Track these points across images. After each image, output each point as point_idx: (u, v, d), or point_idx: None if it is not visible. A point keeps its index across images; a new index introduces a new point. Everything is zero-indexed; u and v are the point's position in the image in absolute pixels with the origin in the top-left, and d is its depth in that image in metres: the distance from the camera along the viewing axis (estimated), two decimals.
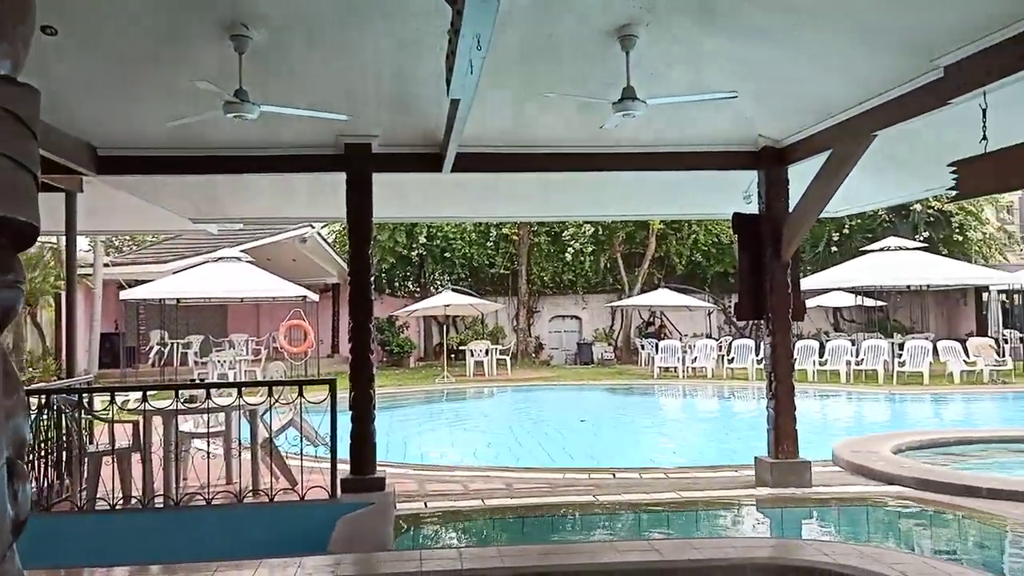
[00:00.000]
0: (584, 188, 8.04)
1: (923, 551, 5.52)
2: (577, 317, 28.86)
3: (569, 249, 26.88)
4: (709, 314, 27.06)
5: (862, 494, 6.61)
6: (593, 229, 26.55)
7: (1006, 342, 21.27)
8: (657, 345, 22.31)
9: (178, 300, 20.22)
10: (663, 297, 24.97)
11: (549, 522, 6.17)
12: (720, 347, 21.77)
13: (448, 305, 22.91)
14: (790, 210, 6.90)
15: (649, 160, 6.83)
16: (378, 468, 6.58)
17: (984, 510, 5.95)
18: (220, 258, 19.46)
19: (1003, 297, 26.51)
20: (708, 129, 6.60)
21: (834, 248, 26.06)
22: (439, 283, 27.46)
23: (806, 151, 6.46)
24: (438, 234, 26.49)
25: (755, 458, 7.16)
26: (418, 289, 27.86)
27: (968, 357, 18.14)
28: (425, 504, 6.52)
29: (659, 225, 26.20)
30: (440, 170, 6.52)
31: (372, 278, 6.69)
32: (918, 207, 25.13)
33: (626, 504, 6.38)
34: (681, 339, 23.90)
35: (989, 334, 23.30)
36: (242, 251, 20.28)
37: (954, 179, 4.62)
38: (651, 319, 28.02)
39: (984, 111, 4.37)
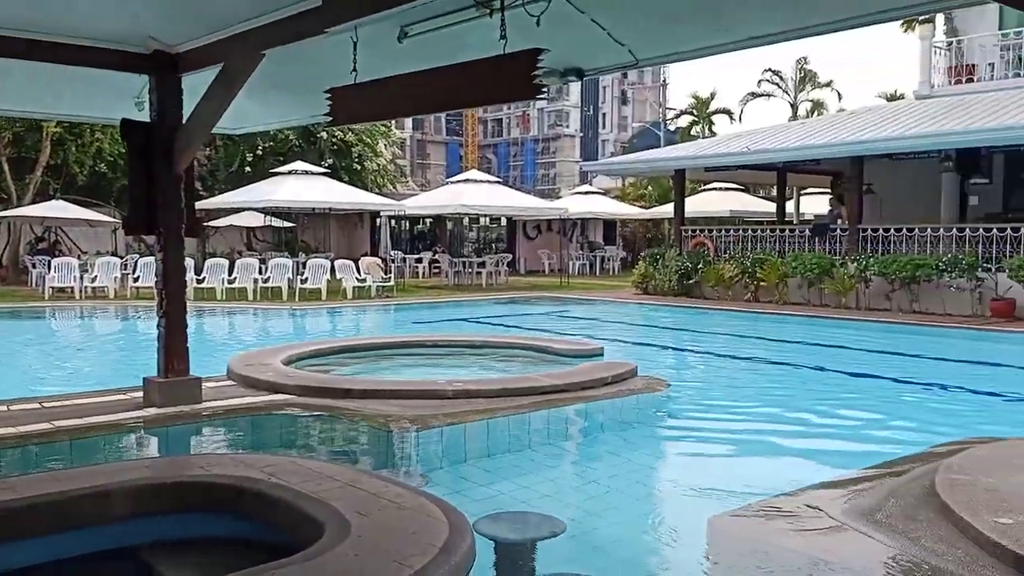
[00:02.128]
0: None
1: (297, 451, 6.02)
2: None
3: None
4: (115, 230, 25.13)
5: (251, 405, 6.88)
6: None
7: (392, 261, 24.31)
8: (50, 263, 19.97)
9: None
10: (59, 209, 22.36)
11: None
12: (126, 265, 20.47)
13: None
14: (184, 121, 6.67)
15: (15, 46, 5.88)
16: None
17: (357, 409, 6.67)
18: None
19: (392, 222, 30.17)
20: (93, 22, 5.93)
21: (248, 168, 26.40)
22: None
23: (200, 62, 6.27)
24: None
25: (144, 379, 6.91)
26: None
27: (360, 274, 20.28)
28: None
29: (55, 128, 23.18)
30: None
31: None
32: (324, 135, 26.91)
33: None
34: (79, 256, 21.79)
35: (380, 254, 26.34)
36: None
37: (329, 106, 4.98)
38: (45, 234, 24.89)
39: (355, 44, 4.75)
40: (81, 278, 19.27)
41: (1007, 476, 4.57)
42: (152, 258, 19.44)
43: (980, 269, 15.44)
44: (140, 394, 6.86)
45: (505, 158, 76.34)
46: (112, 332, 16.07)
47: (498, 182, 29.04)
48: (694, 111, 51.79)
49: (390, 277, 21.32)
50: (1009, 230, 15.63)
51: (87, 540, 4.06)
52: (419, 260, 28.85)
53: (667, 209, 27.37)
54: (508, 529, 4.20)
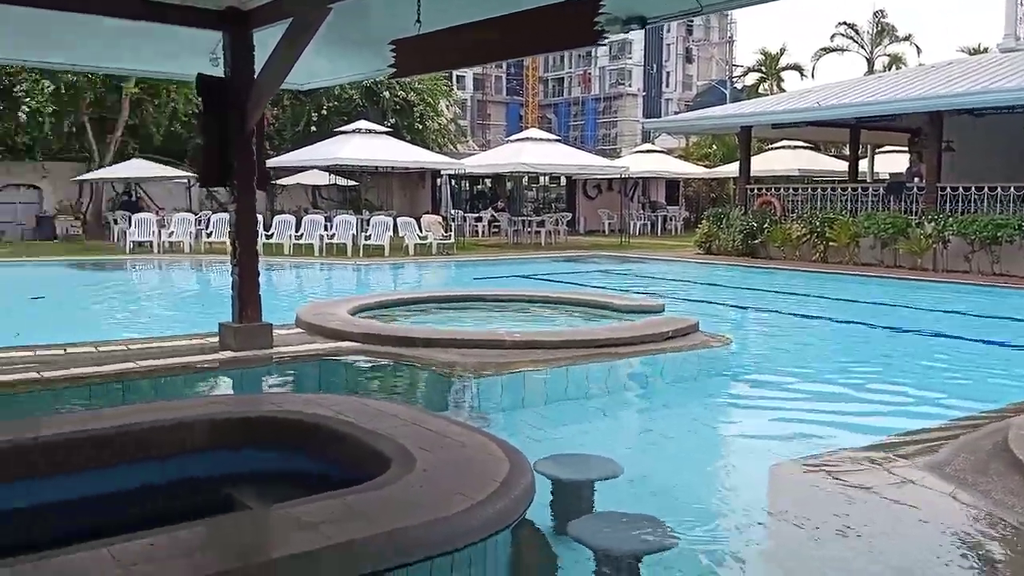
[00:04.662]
0: (18, 23, 6.89)
1: (361, 391, 6.25)
2: (36, 187, 25.23)
3: (24, 107, 22.93)
4: (189, 188, 25.87)
5: (318, 351, 7.14)
6: (53, 87, 22.97)
7: (453, 220, 24.50)
8: (131, 219, 20.75)
9: None
10: (139, 168, 23.14)
11: None
12: (199, 221, 21.14)
13: None
14: (256, 76, 6.85)
15: (101, 3, 6.11)
16: None
17: (420, 356, 6.86)
18: None
19: (452, 181, 30.33)
20: None
21: (313, 128, 26.79)
22: None
23: (270, 16, 6.42)
24: None
25: (220, 324, 7.23)
26: None
27: (421, 232, 20.56)
28: None
29: (133, 89, 23.87)
30: None
31: None
32: (387, 94, 27.08)
33: (76, 378, 5.95)
34: (158, 213, 22.57)
35: (440, 212, 26.55)
36: None
37: (394, 58, 5.06)
38: (127, 190, 25.82)
39: None
40: (159, 233, 20.00)
41: None
42: (223, 214, 20.21)
43: None
44: (216, 339, 7.18)
45: (565, 118, 75.62)
46: (188, 283, 16.75)
47: (558, 140, 28.85)
48: (762, 68, 50.41)
49: (450, 235, 21.54)
50: None
51: (171, 469, 4.32)
52: (479, 219, 28.95)
53: (732, 168, 26.86)
54: (566, 470, 4.31)
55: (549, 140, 27.48)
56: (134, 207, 23.69)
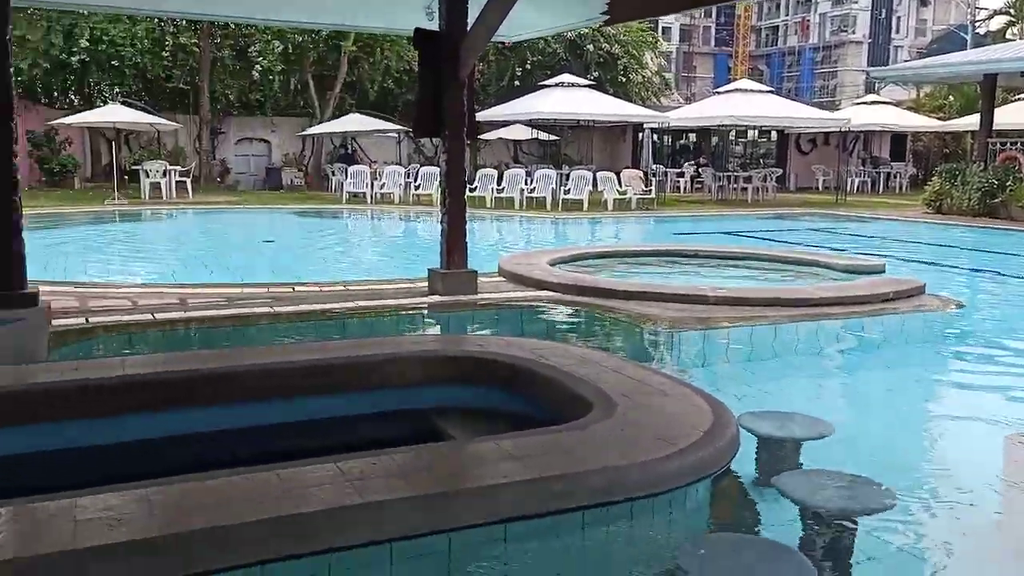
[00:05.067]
0: None
1: (560, 339, 6.34)
2: (266, 140, 27.58)
3: (257, 67, 25.13)
4: (399, 142, 27.17)
5: (520, 298, 7.33)
6: (282, 47, 24.96)
7: (654, 175, 24.05)
8: (347, 171, 22.16)
9: None
10: (355, 122, 24.58)
11: (224, 332, 6.11)
12: (408, 174, 22.19)
13: (116, 122, 20.78)
14: (468, 29, 7.02)
15: None
16: (30, 285, 6.05)
17: (620, 308, 6.87)
18: None
19: (655, 136, 29.69)
20: None
21: (517, 83, 27.14)
22: (107, 95, 24.54)
23: None
24: (103, 38, 23.25)
25: (429, 270, 7.59)
26: (81, 101, 24.70)
27: (621, 187, 20.37)
28: (87, 320, 6.11)
29: (351, 48, 25.35)
30: None
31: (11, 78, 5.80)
32: (591, 47, 26.82)
33: (303, 313, 6.49)
34: (371, 165, 23.93)
35: (641, 167, 26.12)
36: None
37: (607, 4, 4.99)
38: (344, 142, 27.59)
39: None
40: (372, 185, 21.23)
41: None
42: (430, 168, 21.07)
43: None
44: (424, 283, 7.56)
45: (779, 68, 71.60)
46: (398, 231, 17.72)
47: (771, 92, 27.33)
48: (1011, 11, 44.88)
49: (650, 190, 21.18)
50: None
51: (387, 399, 4.62)
52: (680, 174, 28.22)
53: (970, 121, 24.29)
54: (772, 427, 4.17)
55: (761, 91, 26.09)
56: (350, 160, 25.26)
